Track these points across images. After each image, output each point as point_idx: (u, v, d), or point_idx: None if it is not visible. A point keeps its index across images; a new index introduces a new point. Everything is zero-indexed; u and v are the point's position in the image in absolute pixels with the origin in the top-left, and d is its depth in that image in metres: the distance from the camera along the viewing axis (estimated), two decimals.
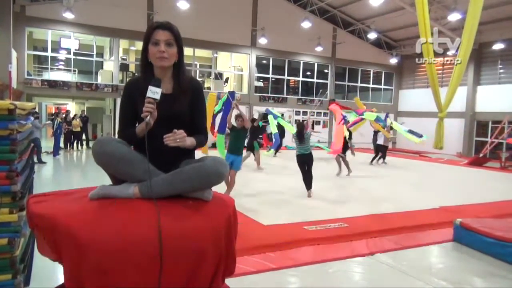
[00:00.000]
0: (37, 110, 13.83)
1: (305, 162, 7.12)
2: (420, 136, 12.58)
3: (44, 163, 10.76)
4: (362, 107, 14.11)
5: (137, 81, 1.86)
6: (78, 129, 14.89)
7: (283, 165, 12.22)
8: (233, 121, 6.54)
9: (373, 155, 13.84)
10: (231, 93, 8.24)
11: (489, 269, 3.86)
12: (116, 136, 1.86)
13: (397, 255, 4.12)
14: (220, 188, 5.94)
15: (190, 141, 1.78)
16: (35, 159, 10.53)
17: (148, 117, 1.66)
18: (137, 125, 1.81)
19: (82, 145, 15.14)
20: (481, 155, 15.37)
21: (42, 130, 12.66)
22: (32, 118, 2.77)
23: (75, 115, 15.45)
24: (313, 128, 14.97)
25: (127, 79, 18.33)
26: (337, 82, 22.52)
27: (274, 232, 4.58)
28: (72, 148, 14.78)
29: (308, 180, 7.09)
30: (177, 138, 1.68)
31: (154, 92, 1.67)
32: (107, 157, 1.63)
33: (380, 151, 13.28)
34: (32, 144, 3.28)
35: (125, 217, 1.53)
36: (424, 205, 6.51)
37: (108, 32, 16.81)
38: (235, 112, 6.59)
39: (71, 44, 16.44)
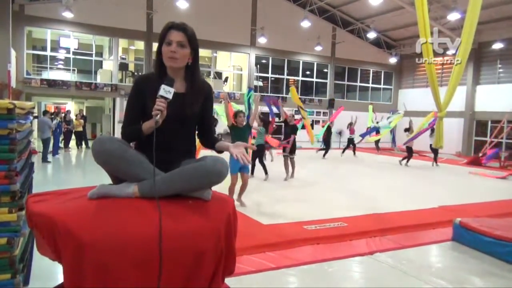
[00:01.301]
0: (35, 109, 13.81)
1: (263, 151, 8.12)
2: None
3: (49, 162, 10.84)
4: (298, 102, 12.70)
5: (148, 78, 1.85)
6: (80, 128, 14.91)
7: (280, 164, 12.20)
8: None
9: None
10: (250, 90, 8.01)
11: (488, 268, 3.86)
12: (120, 131, 1.85)
13: (396, 254, 4.12)
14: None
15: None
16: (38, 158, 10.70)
17: (158, 116, 1.65)
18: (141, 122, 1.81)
19: (81, 144, 15.14)
20: (480, 154, 15.36)
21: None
22: (31, 117, 2.76)
23: (76, 115, 15.49)
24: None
25: (128, 78, 18.40)
26: (337, 82, 22.54)
27: (274, 232, 4.58)
28: (78, 147, 14.82)
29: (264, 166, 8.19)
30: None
31: (167, 92, 1.66)
32: (106, 156, 1.63)
33: (433, 151, 13.25)
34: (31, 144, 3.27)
35: (125, 217, 1.53)
36: (423, 204, 6.51)
37: (108, 32, 16.80)
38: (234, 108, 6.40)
39: (70, 43, 16.44)
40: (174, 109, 1.74)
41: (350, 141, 15.56)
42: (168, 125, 1.74)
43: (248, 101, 8.35)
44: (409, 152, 13.18)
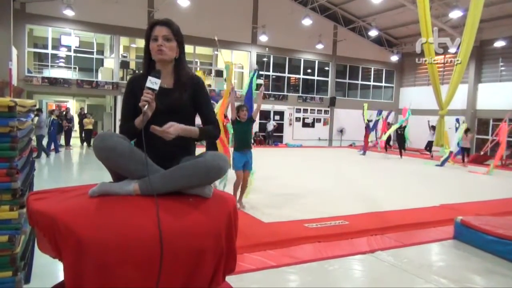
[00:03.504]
0: (37, 107, 13.85)
1: None
2: None
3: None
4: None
5: (139, 78, 1.87)
6: (90, 126, 14.97)
7: (280, 163, 12.22)
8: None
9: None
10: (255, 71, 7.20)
11: (489, 267, 3.85)
12: (118, 131, 1.86)
13: (397, 252, 4.11)
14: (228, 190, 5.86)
15: (187, 130, 1.77)
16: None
17: (145, 107, 1.67)
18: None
19: (89, 142, 15.14)
20: (481, 153, 15.35)
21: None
22: (32, 115, 2.76)
23: (86, 114, 15.55)
24: None
25: (129, 76, 18.40)
26: (338, 80, 22.50)
27: (274, 230, 4.58)
28: (89, 145, 14.87)
29: None
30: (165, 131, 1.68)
31: (153, 83, 1.69)
32: (107, 152, 1.63)
33: (467, 152, 13.59)
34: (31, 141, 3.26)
35: (125, 214, 1.53)
36: (424, 202, 6.50)
37: (109, 30, 16.79)
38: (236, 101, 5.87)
39: (72, 41, 16.43)
40: (165, 103, 1.76)
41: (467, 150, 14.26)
42: (161, 120, 1.74)
43: (250, 83, 7.63)
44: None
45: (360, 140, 18.70)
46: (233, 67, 7.17)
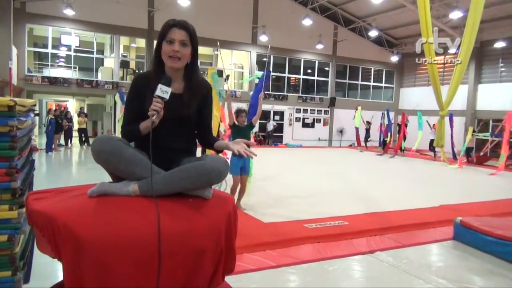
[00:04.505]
0: (37, 106, 13.88)
1: None
2: None
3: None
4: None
5: (146, 76, 1.83)
6: (84, 125, 14.97)
7: (280, 163, 12.22)
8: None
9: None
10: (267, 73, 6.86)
11: (489, 267, 3.86)
12: (120, 130, 1.84)
13: (397, 253, 4.12)
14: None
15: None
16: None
17: (154, 116, 1.63)
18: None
19: (84, 141, 15.13)
20: (481, 153, 15.35)
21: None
22: (32, 115, 2.75)
23: (80, 113, 15.57)
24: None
25: (129, 76, 18.40)
26: (338, 80, 22.51)
27: (274, 230, 4.58)
28: (81, 144, 14.85)
29: None
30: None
31: (163, 91, 1.63)
32: (106, 155, 1.62)
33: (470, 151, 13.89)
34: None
35: (124, 215, 1.53)
36: (424, 203, 6.50)
37: (109, 29, 16.80)
38: (234, 105, 5.79)
39: (72, 41, 16.44)
40: (172, 109, 1.72)
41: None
42: (167, 125, 1.73)
43: (260, 83, 7.26)
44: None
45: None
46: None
